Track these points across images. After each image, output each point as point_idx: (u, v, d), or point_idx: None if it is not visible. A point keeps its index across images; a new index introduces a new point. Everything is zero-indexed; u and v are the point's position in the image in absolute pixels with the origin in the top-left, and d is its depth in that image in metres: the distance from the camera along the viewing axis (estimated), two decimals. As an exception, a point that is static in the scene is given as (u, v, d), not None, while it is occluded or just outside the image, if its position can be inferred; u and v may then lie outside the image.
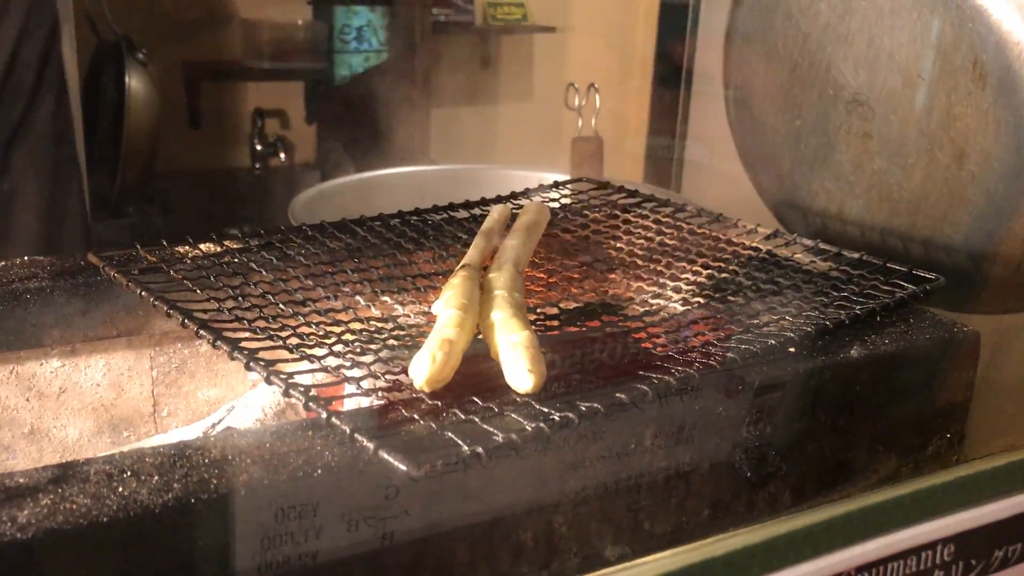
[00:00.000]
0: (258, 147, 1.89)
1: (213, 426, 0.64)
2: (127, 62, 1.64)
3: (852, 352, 0.62)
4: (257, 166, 1.90)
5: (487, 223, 0.74)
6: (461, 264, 0.63)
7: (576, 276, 0.71)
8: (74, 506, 0.43)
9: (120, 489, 0.44)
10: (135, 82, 1.65)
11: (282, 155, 1.90)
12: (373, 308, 0.62)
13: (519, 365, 0.51)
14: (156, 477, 0.45)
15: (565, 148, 1.50)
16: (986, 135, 0.78)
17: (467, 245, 0.70)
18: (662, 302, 0.65)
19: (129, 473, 0.45)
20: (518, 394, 0.51)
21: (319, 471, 0.46)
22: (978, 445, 0.67)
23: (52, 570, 0.42)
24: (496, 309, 0.56)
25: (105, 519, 0.42)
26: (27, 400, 0.67)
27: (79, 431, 0.69)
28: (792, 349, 0.60)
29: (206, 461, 0.46)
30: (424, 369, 0.50)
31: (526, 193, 0.87)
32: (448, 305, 0.56)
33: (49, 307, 0.66)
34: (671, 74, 1.66)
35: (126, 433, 0.70)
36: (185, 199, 1.83)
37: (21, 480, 0.44)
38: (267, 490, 0.45)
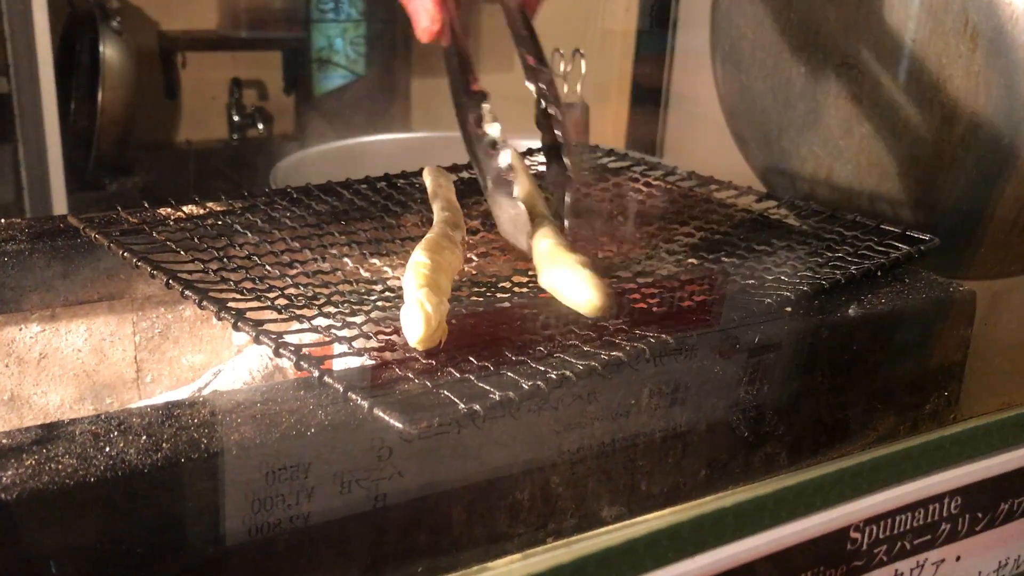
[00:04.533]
0: (235, 118, 1.86)
1: (200, 390, 0.62)
2: (101, 30, 1.60)
3: (849, 311, 0.61)
4: (235, 137, 1.87)
5: (431, 188, 0.71)
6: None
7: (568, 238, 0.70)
8: (60, 466, 0.41)
9: (107, 449, 0.43)
10: (110, 51, 1.61)
11: (260, 126, 1.87)
12: (362, 270, 0.60)
13: (583, 285, 0.51)
14: (144, 437, 0.44)
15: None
16: (977, 98, 0.77)
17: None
18: (656, 263, 0.65)
19: (116, 433, 0.44)
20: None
21: (312, 431, 0.45)
22: (974, 403, 0.67)
23: (37, 531, 0.41)
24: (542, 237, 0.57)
25: (92, 479, 0.41)
26: (6, 366, 0.66)
27: (60, 398, 0.67)
28: (788, 309, 0.59)
29: (196, 421, 0.45)
30: (418, 329, 0.49)
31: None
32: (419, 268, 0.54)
33: (28, 270, 0.64)
34: (655, 44, 1.65)
35: (109, 400, 0.69)
36: (161, 171, 1.80)
37: (4, 441, 0.43)
38: (259, 450, 0.44)
